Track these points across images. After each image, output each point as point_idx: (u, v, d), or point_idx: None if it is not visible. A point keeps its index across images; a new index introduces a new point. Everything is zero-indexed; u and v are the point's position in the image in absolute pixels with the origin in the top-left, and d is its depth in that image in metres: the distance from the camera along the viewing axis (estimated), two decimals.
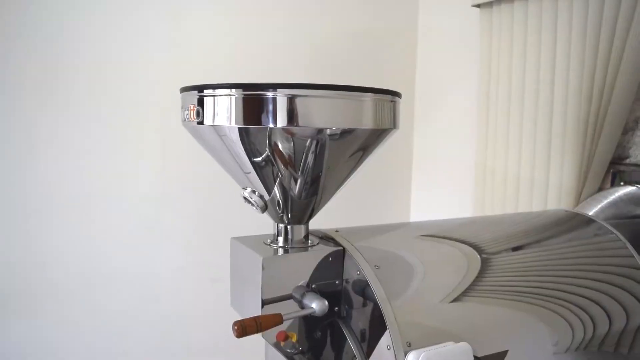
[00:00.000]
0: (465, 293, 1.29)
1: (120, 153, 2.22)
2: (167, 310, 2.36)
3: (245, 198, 1.23)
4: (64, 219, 2.15)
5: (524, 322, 1.36)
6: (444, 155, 2.82)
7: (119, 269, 2.26)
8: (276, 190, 1.21)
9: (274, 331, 1.23)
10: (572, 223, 1.70)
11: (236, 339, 2.42)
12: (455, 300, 1.27)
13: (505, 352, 1.30)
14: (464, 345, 1.12)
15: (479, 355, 1.20)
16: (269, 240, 1.27)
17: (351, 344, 1.22)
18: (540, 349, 1.38)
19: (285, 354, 1.34)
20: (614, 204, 1.96)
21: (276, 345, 1.29)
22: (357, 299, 1.24)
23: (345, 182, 1.28)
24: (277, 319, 1.11)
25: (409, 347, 1.11)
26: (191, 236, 2.38)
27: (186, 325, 2.41)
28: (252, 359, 2.11)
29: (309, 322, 1.29)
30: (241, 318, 1.10)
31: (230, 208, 2.17)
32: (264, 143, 1.12)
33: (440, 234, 1.46)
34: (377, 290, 1.15)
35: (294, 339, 1.26)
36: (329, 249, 1.24)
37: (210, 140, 1.18)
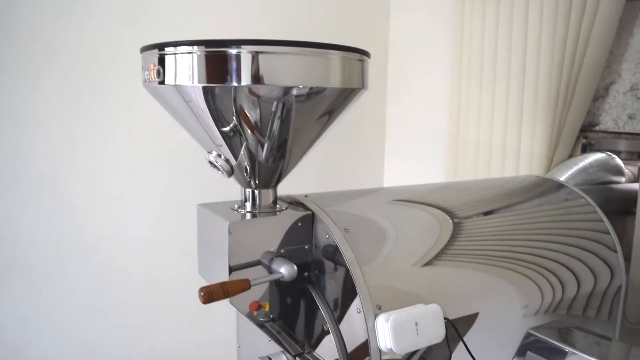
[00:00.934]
0: (436, 257, 1.28)
1: (87, 122, 2.14)
2: (137, 282, 2.31)
3: (210, 162, 1.19)
4: (30, 191, 2.08)
5: (494, 286, 1.37)
6: (417, 123, 2.80)
7: (87, 240, 2.21)
8: (243, 154, 1.18)
9: (246, 301, 1.21)
10: (542, 188, 1.71)
11: (209, 310, 2.40)
12: (426, 264, 1.26)
13: (475, 315, 1.30)
14: (434, 307, 1.11)
15: (450, 317, 1.19)
16: (236, 206, 1.24)
17: (322, 309, 1.20)
18: (510, 312, 1.38)
19: (257, 323, 1.32)
20: (584, 170, 1.97)
21: (249, 315, 1.27)
22: (326, 264, 1.22)
23: (314, 145, 1.25)
24: (245, 285, 1.08)
25: (379, 310, 1.09)
26: (161, 208, 2.33)
27: (157, 297, 2.37)
28: (224, 330, 2.10)
29: (279, 288, 1.27)
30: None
31: (202, 178, 2.13)
32: (228, 103, 1.08)
33: (412, 198, 1.44)
34: (347, 253, 1.13)
35: (267, 309, 1.24)
36: (297, 213, 1.21)
37: (173, 101, 1.14)
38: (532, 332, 1.17)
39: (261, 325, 1.32)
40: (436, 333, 1.10)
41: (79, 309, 2.23)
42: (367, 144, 2.95)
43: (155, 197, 2.32)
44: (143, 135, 2.26)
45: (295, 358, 1.24)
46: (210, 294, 1.05)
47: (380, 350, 1.08)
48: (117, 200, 2.24)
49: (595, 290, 1.57)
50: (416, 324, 1.07)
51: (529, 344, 1.15)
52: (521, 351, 1.15)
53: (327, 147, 2.71)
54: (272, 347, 1.32)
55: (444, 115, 2.47)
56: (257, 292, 1.23)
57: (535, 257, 1.45)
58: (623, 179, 2.12)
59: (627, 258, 1.79)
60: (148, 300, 2.36)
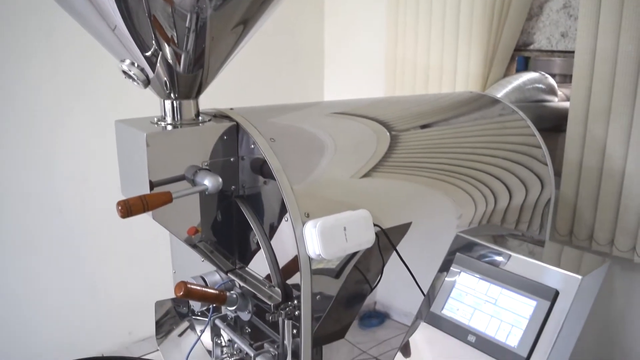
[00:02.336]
0: (368, 168, 1.26)
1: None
2: (71, 222, 2.23)
3: (124, 72, 1.11)
4: None
5: (429, 197, 1.37)
6: (356, 45, 2.75)
7: (18, 182, 2.09)
8: (160, 63, 1.10)
9: (184, 227, 1.17)
10: (477, 103, 1.70)
11: (149, 245, 2.33)
12: (361, 175, 1.24)
13: (408, 225, 1.30)
14: (362, 212, 1.10)
15: (383, 227, 1.19)
16: (155, 119, 1.17)
17: (251, 223, 1.17)
18: (444, 222, 1.39)
19: (190, 243, 1.28)
20: (518, 88, 1.98)
21: (187, 240, 1.23)
22: (254, 178, 1.18)
23: (233, 55, 1.18)
24: (166, 197, 1.03)
25: (308, 217, 1.07)
26: (94, 145, 2.21)
27: (93, 235, 2.30)
28: (164, 261, 2.06)
29: (209, 206, 1.22)
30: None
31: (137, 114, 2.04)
32: (142, 11, 1.00)
33: (347, 111, 1.41)
34: (272, 161, 1.09)
35: (200, 232, 1.20)
36: (221, 124, 1.16)
37: (83, 10, 1.05)
38: (461, 234, 1.18)
39: (194, 246, 1.28)
40: (365, 238, 1.09)
41: (13, 252, 2.14)
42: (306, 68, 2.87)
43: (87, 134, 2.21)
44: (72, 70, 2.13)
45: (227, 274, 1.21)
46: (128, 207, 0.99)
47: (309, 257, 1.06)
48: (47, 139, 2.12)
49: (526, 201, 1.60)
50: (345, 229, 1.05)
51: (458, 246, 1.16)
52: (450, 253, 1.16)
53: (265, 70, 2.63)
54: (206, 267, 1.29)
55: (381, 36, 2.43)
56: (188, 211, 1.18)
57: (469, 169, 1.46)
58: (556, 99, 2.15)
59: (558, 174, 1.83)
60: (85, 239, 2.29)
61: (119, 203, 0.99)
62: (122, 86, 2.03)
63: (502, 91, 1.95)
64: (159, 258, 2.35)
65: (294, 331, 1.10)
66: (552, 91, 2.12)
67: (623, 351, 1.93)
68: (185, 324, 1.44)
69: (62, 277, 2.27)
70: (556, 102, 2.14)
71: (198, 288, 1.08)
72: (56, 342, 2.27)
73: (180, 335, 1.43)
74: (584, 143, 1.84)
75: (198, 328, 1.42)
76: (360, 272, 1.22)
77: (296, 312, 1.08)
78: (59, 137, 2.15)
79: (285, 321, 1.10)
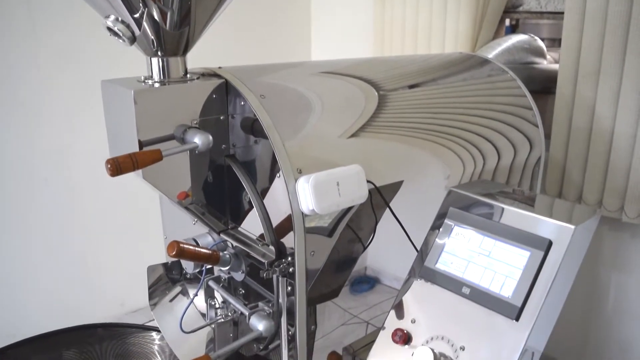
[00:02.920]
0: (361, 128, 1.25)
1: None
2: (57, 190, 2.20)
3: (109, 28, 1.08)
4: None
5: (417, 157, 1.36)
6: (344, 7, 2.71)
7: (4, 152, 2.06)
8: (145, 19, 1.07)
9: (175, 187, 1.15)
10: (467, 64, 1.69)
11: (139, 215, 2.32)
12: (350, 135, 1.22)
13: (400, 183, 1.29)
14: (355, 167, 1.09)
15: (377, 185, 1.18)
16: (142, 77, 1.14)
17: (243, 182, 1.15)
18: (433, 183, 1.39)
19: (182, 206, 1.27)
20: (507, 50, 1.97)
21: (178, 204, 1.22)
22: (244, 135, 1.16)
23: (219, 11, 1.15)
24: (156, 155, 1.02)
25: (300, 173, 1.06)
26: (78, 113, 2.17)
27: (81, 206, 2.27)
28: (154, 230, 2.04)
29: (198, 165, 1.20)
30: None
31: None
32: None
33: (336, 70, 1.39)
34: (263, 117, 1.07)
35: (191, 196, 1.19)
36: (210, 82, 1.13)
37: None
38: (454, 189, 1.18)
39: (186, 208, 1.27)
40: (359, 193, 1.09)
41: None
42: (293, 29, 2.83)
43: (70, 101, 2.16)
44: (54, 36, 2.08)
45: (220, 235, 1.20)
46: (117, 165, 0.98)
47: (303, 213, 1.05)
48: (29, 107, 2.08)
49: (515, 162, 1.60)
50: (338, 184, 1.05)
51: (451, 201, 1.16)
52: (443, 208, 1.16)
53: (252, 31, 2.59)
54: (198, 230, 1.28)
55: None
56: (178, 170, 1.16)
57: (458, 129, 1.45)
58: (545, 61, 2.15)
59: (547, 136, 1.83)
60: (72, 210, 2.26)
61: (108, 161, 0.97)
62: (107, 51, 2.00)
63: (492, 53, 1.94)
64: (148, 228, 2.34)
65: (289, 288, 1.10)
66: (541, 54, 2.11)
67: (612, 312, 1.96)
68: (178, 288, 1.43)
69: (50, 250, 2.25)
70: (545, 64, 2.14)
71: (191, 247, 1.07)
72: (46, 315, 2.26)
73: (173, 300, 1.42)
74: (573, 104, 1.84)
75: (191, 292, 1.41)
76: (352, 230, 1.21)
77: (290, 269, 1.08)
78: (42, 104, 2.11)
79: (280, 278, 1.10)
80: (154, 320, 1.52)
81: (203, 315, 1.39)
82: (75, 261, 2.31)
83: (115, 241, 2.39)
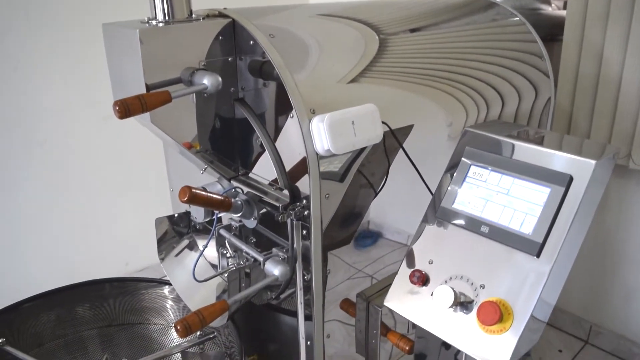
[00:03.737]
0: (359, 72, 1.20)
1: None
2: (55, 152, 2.16)
3: None
4: None
5: (419, 103, 1.31)
6: None
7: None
8: None
9: (183, 132, 1.12)
10: (472, 6, 1.64)
11: (139, 174, 2.28)
12: (350, 76, 1.18)
13: (410, 127, 1.26)
14: (370, 106, 1.06)
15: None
16: (146, 18, 1.10)
17: (253, 125, 1.12)
18: (435, 130, 1.36)
19: (193, 153, 1.24)
20: None
21: (186, 152, 1.18)
22: (252, 78, 1.13)
23: None
24: (165, 96, 0.98)
25: (313, 113, 1.03)
26: (75, 71, 2.12)
27: (80, 167, 2.23)
28: (156, 189, 2.02)
29: (206, 110, 1.16)
30: None
31: None
32: None
33: (337, 13, 1.34)
34: (274, 57, 1.04)
35: (197, 147, 1.16)
36: (217, 21, 1.09)
37: None
38: (470, 129, 1.15)
39: (195, 154, 1.23)
40: (374, 133, 1.06)
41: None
42: None
43: (65, 61, 2.10)
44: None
45: (230, 182, 1.18)
46: (126, 107, 0.94)
47: (317, 154, 1.02)
48: (24, 68, 2.02)
49: (520, 110, 1.57)
50: (353, 123, 1.02)
51: (466, 141, 1.13)
52: (459, 149, 1.13)
53: None
54: (206, 180, 1.25)
55: None
56: (187, 115, 1.13)
57: (461, 75, 1.41)
58: (550, 8, 2.10)
59: (554, 84, 1.80)
60: (71, 171, 2.22)
61: (115, 103, 0.94)
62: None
63: None
64: (150, 186, 2.32)
65: (304, 232, 1.08)
66: (545, 0, 2.06)
67: (617, 260, 1.97)
68: (186, 241, 1.41)
69: (51, 211, 2.22)
70: (550, 10, 2.09)
71: (203, 193, 1.05)
72: (49, 277, 2.24)
73: (182, 252, 1.41)
74: (581, 50, 1.80)
75: (200, 243, 1.39)
76: (364, 175, 1.19)
77: (305, 213, 1.06)
78: (37, 65, 2.05)
79: (294, 222, 1.08)
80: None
81: (213, 266, 1.38)
82: (77, 222, 2.29)
83: (117, 201, 2.37)
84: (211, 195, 1.07)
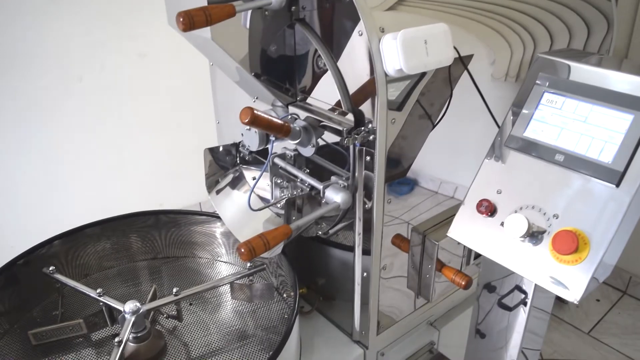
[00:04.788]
0: (400, 2, 1.13)
1: None
2: (92, 88, 2.12)
3: None
4: None
5: (460, 37, 1.22)
6: None
7: (32, 52, 1.96)
8: None
9: (243, 50, 1.06)
10: None
11: (175, 111, 2.23)
12: (392, 6, 1.10)
13: (470, 57, 1.20)
14: (442, 26, 1.00)
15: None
16: None
17: (316, 45, 1.07)
18: (477, 68, 1.28)
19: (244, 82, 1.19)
20: None
21: (240, 75, 1.12)
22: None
23: None
24: (229, 10, 0.93)
25: (382, 32, 0.97)
26: (112, 3, 2.05)
27: (117, 104, 2.20)
28: (192, 128, 1.98)
29: (265, 32, 1.11)
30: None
31: None
32: None
33: None
34: None
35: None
36: None
37: None
38: (542, 54, 1.09)
39: (256, 75, 1.17)
40: (446, 54, 1.01)
41: (32, 125, 2.05)
42: None
43: None
44: None
45: (287, 107, 1.14)
46: (190, 18, 0.89)
47: (386, 75, 0.97)
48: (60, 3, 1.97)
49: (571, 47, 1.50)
50: (425, 42, 0.96)
51: (539, 68, 1.07)
52: (531, 75, 1.07)
53: None
54: (259, 108, 1.20)
55: None
56: (244, 40, 1.07)
57: (507, 9, 1.32)
58: None
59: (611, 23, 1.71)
60: (107, 108, 2.19)
61: (180, 14, 0.89)
62: None
63: None
64: (185, 126, 2.29)
65: (367, 158, 1.04)
66: None
67: None
68: (234, 173, 1.38)
69: (84, 150, 2.20)
70: None
71: (265, 115, 1.01)
72: (85, 215, 2.24)
73: (230, 185, 1.38)
74: None
75: (248, 175, 1.36)
76: (422, 105, 1.14)
77: (370, 137, 1.02)
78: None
79: (358, 148, 1.04)
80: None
81: (262, 199, 1.35)
82: (110, 162, 2.27)
83: (153, 140, 2.34)
84: (272, 119, 1.03)
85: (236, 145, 1.36)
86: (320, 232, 1.30)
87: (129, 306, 1.18)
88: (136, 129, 2.29)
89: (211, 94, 1.46)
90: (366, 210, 1.09)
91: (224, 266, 1.50)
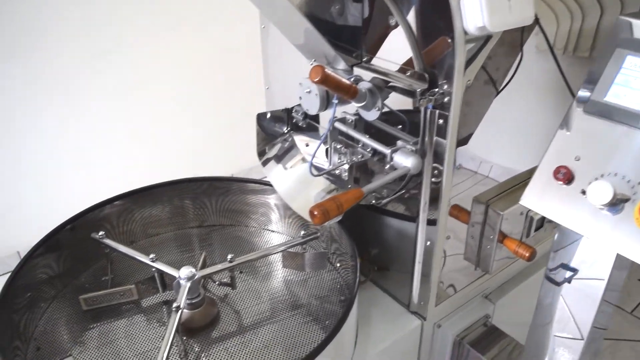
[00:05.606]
0: None
1: None
2: (121, 61, 2.08)
3: None
4: None
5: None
6: None
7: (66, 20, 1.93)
8: None
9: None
10: None
11: (212, 85, 2.18)
12: None
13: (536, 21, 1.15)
14: None
15: None
16: None
17: (387, 2, 1.02)
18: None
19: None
20: None
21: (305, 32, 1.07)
22: None
23: None
24: None
25: None
26: None
27: (145, 75, 2.16)
28: (229, 103, 1.94)
29: None
30: None
31: None
32: None
33: None
34: None
35: None
36: None
37: None
38: (623, 17, 1.03)
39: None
40: (528, 13, 0.96)
41: (74, 94, 2.03)
42: None
43: None
44: None
45: (352, 69, 1.09)
46: None
47: (465, 32, 0.93)
48: None
49: None
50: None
51: (619, 30, 1.02)
52: (612, 38, 1.02)
53: None
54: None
55: None
56: None
57: None
58: None
59: None
60: (138, 80, 2.16)
61: None
62: None
63: None
64: (232, 93, 2.24)
65: (440, 121, 1.00)
66: None
67: None
68: (286, 139, 1.34)
69: (119, 121, 2.17)
70: None
71: (334, 74, 0.96)
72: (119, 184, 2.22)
73: (281, 152, 1.34)
74: None
75: (301, 141, 1.32)
76: (487, 69, 1.09)
77: (445, 99, 0.97)
78: None
79: (430, 111, 0.99)
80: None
81: (315, 165, 1.32)
82: (146, 130, 2.24)
83: (183, 112, 2.31)
84: (341, 79, 0.99)
85: (288, 111, 1.32)
86: (373, 201, 1.27)
87: (184, 272, 1.15)
88: (184, 97, 2.25)
89: (261, 59, 1.41)
90: (434, 175, 1.06)
91: (272, 235, 1.47)
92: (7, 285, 1.11)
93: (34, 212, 2.12)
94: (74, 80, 2.01)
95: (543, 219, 1.27)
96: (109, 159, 2.21)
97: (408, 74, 1.01)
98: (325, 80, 0.95)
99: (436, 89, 0.97)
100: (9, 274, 1.14)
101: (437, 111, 0.99)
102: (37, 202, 2.11)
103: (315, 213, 0.90)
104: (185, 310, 1.16)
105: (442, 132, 1.01)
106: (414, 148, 1.05)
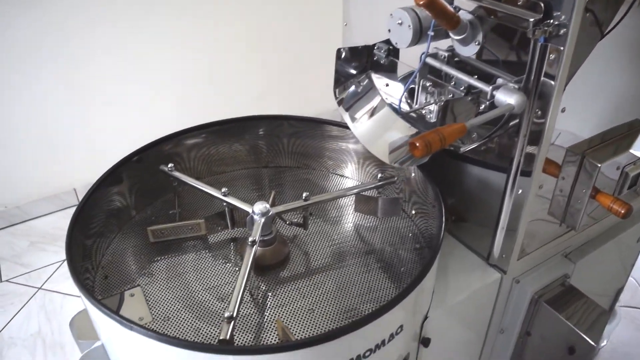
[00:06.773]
0: None
1: None
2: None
3: None
4: None
5: None
6: None
7: None
8: None
9: None
10: None
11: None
12: None
13: None
14: None
15: None
16: None
17: None
18: None
19: None
20: None
21: None
22: None
23: None
24: None
25: None
26: None
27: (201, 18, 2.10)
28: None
29: None
30: None
31: None
32: None
33: None
34: None
35: None
36: None
37: None
38: None
39: None
40: None
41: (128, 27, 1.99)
42: None
43: None
44: None
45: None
46: None
47: None
48: None
49: None
50: None
51: None
52: None
53: None
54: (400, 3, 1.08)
55: None
56: None
57: None
58: None
59: None
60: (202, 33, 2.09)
61: None
62: None
63: None
64: (306, 30, 2.16)
65: (552, 56, 0.92)
66: None
67: None
68: (365, 78, 1.27)
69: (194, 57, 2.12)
70: None
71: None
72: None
73: (360, 93, 1.27)
74: None
75: (381, 81, 1.25)
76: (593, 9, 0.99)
77: (561, 32, 0.89)
78: None
79: (541, 43, 0.91)
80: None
81: (395, 110, 1.25)
82: (230, 70, 2.19)
83: (271, 49, 2.23)
84: (446, 5, 0.91)
85: (368, 48, 1.24)
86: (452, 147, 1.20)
87: (259, 207, 1.11)
88: (254, 33, 2.18)
89: None
90: (537, 116, 0.98)
91: (342, 180, 1.42)
92: (76, 213, 1.09)
93: (96, 149, 2.11)
94: (149, 17, 1.97)
95: (638, 176, 1.19)
96: (172, 99, 2.17)
97: (520, 2, 0.92)
98: (431, 4, 0.87)
99: (551, 20, 0.89)
100: (66, 209, 1.12)
101: (549, 45, 0.91)
102: (100, 138, 2.10)
103: (417, 145, 0.83)
104: (258, 248, 1.12)
105: (552, 68, 0.92)
106: (516, 86, 0.97)
